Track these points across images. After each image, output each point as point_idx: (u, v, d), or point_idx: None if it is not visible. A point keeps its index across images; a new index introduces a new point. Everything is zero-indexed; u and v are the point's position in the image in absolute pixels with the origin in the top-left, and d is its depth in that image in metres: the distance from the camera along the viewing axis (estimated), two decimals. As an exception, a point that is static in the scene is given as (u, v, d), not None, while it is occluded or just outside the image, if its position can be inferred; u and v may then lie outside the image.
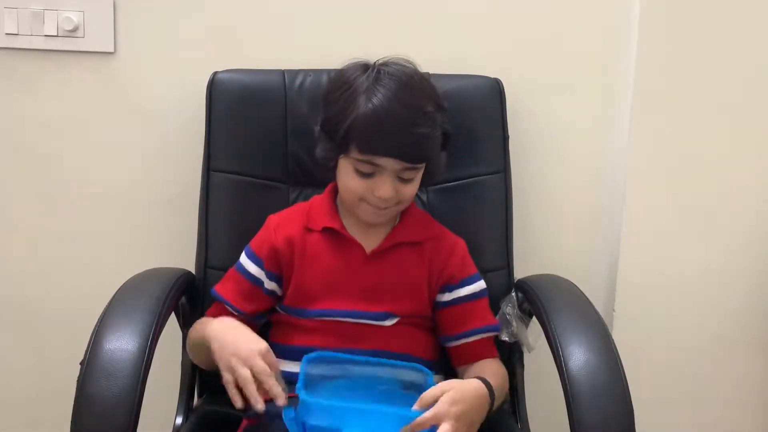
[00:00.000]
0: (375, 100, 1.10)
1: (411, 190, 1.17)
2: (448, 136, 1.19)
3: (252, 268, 1.20)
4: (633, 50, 1.41)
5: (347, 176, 1.15)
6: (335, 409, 1.00)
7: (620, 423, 0.97)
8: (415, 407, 1.02)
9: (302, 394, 0.99)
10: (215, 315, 1.20)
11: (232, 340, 1.06)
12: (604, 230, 1.50)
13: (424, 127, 1.11)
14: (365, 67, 1.16)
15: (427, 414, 1.00)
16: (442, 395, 1.03)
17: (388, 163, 1.12)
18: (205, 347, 1.11)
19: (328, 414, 0.99)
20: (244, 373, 1.02)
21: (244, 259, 1.22)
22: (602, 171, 1.49)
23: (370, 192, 1.14)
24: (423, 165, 1.16)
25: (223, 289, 1.22)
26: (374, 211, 1.16)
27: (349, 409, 1.01)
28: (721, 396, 1.53)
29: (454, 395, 1.03)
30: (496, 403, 1.12)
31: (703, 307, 1.50)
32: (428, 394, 1.03)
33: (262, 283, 1.20)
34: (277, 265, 1.20)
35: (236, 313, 1.20)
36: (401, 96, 1.11)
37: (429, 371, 1.11)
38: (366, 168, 1.13)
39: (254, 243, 1.22)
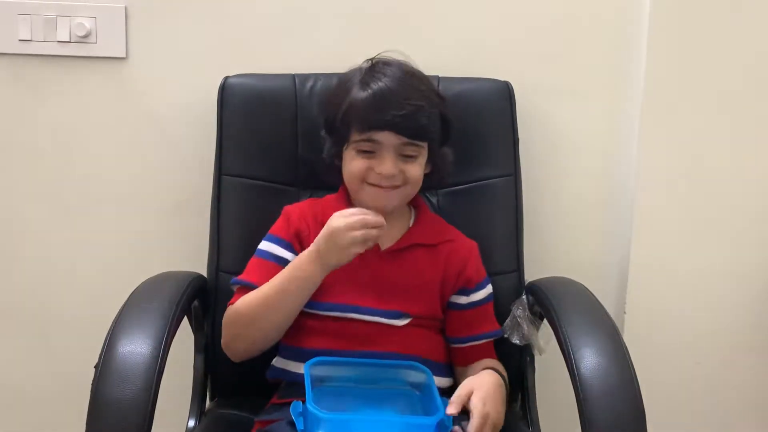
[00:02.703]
0: (371, 84, 1.15)
1: (415, 170, 1.17)
2: (448, 125, 1.21)
3: (284, 253, 1.19)
4: (643, 54, 1.41)
5: (350, 160, 1.17)
6: (344, 421, 1.00)
7: (632, 425, 0.97)
8: (450, 411, 1.03)
9: (311, 407, 0.99)
10: None
11: (325, 246, 1.11)
12: (614, 232, 1.50)
13: (417, 100, 1.14)
14: (363, 65, 1.20)
15: (475, 421, 1.02)
16: (468, 395, 1.05)
17: (387, 137, 1.14)
18: (280, 294, 1.13)
19: (337, 426, 1.00)
20: (358, 236, 1.08)
21: (270, 246, 1.20)
22: (612, 173, 1.49)
23: (372, 170, 1.15)
24: (424, 144, 1.17)
25: (250, 276, 1.19)
26: (378, 192, 1.17)
27: (357, 418, 1.02)
28: (733, 397, 1.53)
29: (484, 394, 1.06)
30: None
31: (714, 308, 1.49)
32: (458, 396, 1.05)
33: None
34: (302, 247, 1.19)
35: None
36: (395, 78, 1.15)
37: (427, 369, 1.11)
38: (366, 146, 1.15)
39: (279, 230, 1.21)
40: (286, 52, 1.43)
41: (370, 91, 1.14)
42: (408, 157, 1.16)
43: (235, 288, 1.20)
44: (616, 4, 1.43)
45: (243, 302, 1.16)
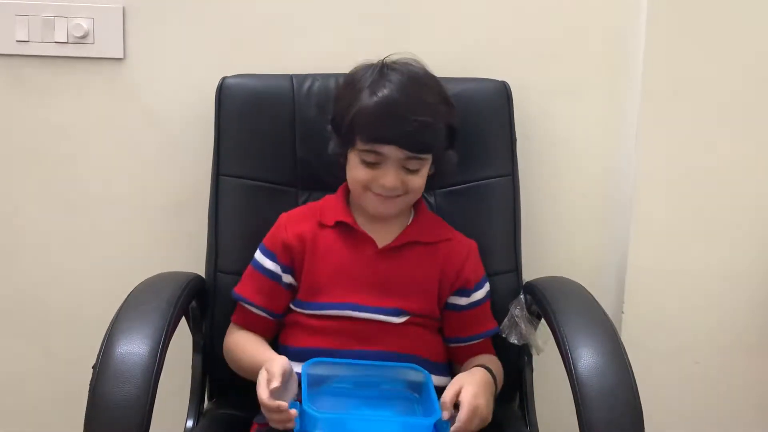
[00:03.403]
0: (378, 92, 1.14)
1: (418, 181, 1.18)
2: (454, 131, 1.21)
3: (268, 263, 1.22)
4: (640, 52, 1.41)
5: (354, 167, 1.18)
6: (340, 420, 1.01)
7: (629, 425, 0.97)
8: (445, 414, 1.04)
9: (307, 408, 0.99)
10: (241, 319, 1.23)
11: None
12: (612, 232, 1.50)
13: (423, 115, 1.13)
14: (373, 65, 1.19)
15: (464, 412, 1.04)
16: (461, 391, 1.06)
17: (391, 151, 1.14)
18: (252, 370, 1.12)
19: (334, 425, 1.00)
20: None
21: (259, 256, 1.23)
22: (610, 173, 1.49)
23: (375, 181, 1.16)
24: (428, 156, 1.18)
25: (242, 289, 1.23)
26: (379, 201, 1.18)
27: (354, 417, 1.02)
28: (730, 398, 1.53)
29: (475, 389, 1.07)
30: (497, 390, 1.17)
31: (711, 308, 1.49)
32: (449, 394, 1.06)
33: (279, 277, 1.21)
34: (289, 258, 1.21)
35: (261, 313, 1.21)
36: (403, 88, 1.14)
37: (426, 372, 1.11)
38: (370, 157, 1.15)
39: (267, 239, 1.24)
40: (283, 52, 1.43)
41: (376, 99, 1.13)
42: (411, 170, 1.17)
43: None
44: (613, 4, 1.43)
45: (231, 343, 1.22)
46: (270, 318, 1.22)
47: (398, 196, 1.18)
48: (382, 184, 1.15)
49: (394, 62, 1.19)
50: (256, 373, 1.09)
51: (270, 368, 1.06)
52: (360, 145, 1.15)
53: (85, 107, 1.44)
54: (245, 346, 1.20)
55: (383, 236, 1.22)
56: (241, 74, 1.35)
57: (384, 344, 1.17)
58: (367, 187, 1.17)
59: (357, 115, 1.14)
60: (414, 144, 1.14)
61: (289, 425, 1.01)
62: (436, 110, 1.16)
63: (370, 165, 1.16)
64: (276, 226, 1.24)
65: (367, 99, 1.14)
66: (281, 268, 1.21)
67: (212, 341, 1.29)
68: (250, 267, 1.24)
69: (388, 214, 1.20)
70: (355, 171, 1.17)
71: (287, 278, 1.22)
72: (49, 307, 1.51)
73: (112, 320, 1.04)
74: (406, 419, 1.05)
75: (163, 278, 1.20)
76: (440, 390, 1.11)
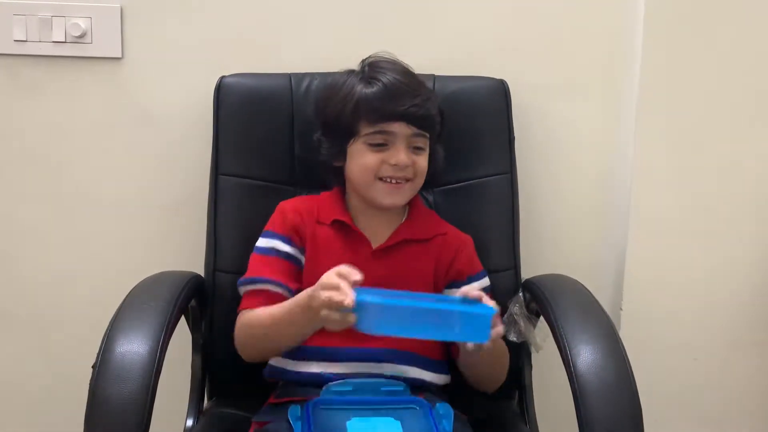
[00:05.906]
0: (375, 81, 1.17)
1: (424, 162, 1.20)
2: (443, 120, 1.23)
3: (285, 247, 1.19)
4: (638, 51, 1.41)
5: (360, 156, 1.18)
6: (387, 309, 0.97)
7: (628, 421, 0.98)
8: (475, 293, 1.05)
9: (358, 295, 0.95)
10: (255, 302, 1.17)
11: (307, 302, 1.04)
12: (610, 230, 1.50)
13: (424, 92, 1.19)
14: (354, 70, 1.22)
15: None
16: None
17: (399, 128, 1.16)
18: (287, 320, 1.09)
19: (381, 313, 0.96)
20: (324, 295, 0.99)
21: (270, 242, 1.20)
22: (608, 171, 1.49)
23: (386, 162, 1.16)
24: (428, 136, 1.19)
25: (255, 272, 1.19)
26: (389, 190, 1.18)
27: (400, 307, 0.98)
28: (728, 394, 1.53)
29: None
30: (497, 359, 1.19)
31: (709, 305, 1.50)
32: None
33: (299, 260, 1.20)
34: (300, 240, 1.20)
35: (279, 290, 1.17)
36: (399, 73, 1.18)
37: (490, 309, 1.04)
38: (379, 139, 1.16)
39: (277, 226, 1.21)
40: (282, 51, 1.43)
41: (380, 84, 1.16)
42: (417, 149, 1.18)
43: (242, 290, 1.20)
44: (611, 4, 1.44)
45: (250, 320, 1.16)
46: (289, 295, 1.17)
47: (407, 180, 1.18)
48: (395, 162, 1.16)
49: (377, 59, 1.22)
50: (298, 324, 1.07)
51: (341, 268, 1.00)
52: (366, 129, 1.16)
53: (83, 107, 1.44)
54: (273, 310, 1.12)
55: (378, 235, 1.22)
56: (239, 73, 1.35)
57: (383, 342, 1.16)
58: (376, 174, 1.17)
59: (360, 103, 1.16)
60: (420, 119, 1.16)
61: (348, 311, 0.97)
62: (430, 90, 1.23)
63: (378, 148, 1.16)
64: (280, 212, 1.23)
65: (366, 88, 1.17)
66: (300, 251, 1.20)
67: (212, 340, 1.29)
68: (257, 255, 1.20)
69: (399, 202, 1.20)
70: (363, 159, 1.17)
71: (303, 259, 1.20)
72: (48, 306, 1.51)
73: (111, 319, 1.04)
74: (468, 308, 1.01)
75: (162, 277, 1.20)
76: (436, 387, 1.12)
